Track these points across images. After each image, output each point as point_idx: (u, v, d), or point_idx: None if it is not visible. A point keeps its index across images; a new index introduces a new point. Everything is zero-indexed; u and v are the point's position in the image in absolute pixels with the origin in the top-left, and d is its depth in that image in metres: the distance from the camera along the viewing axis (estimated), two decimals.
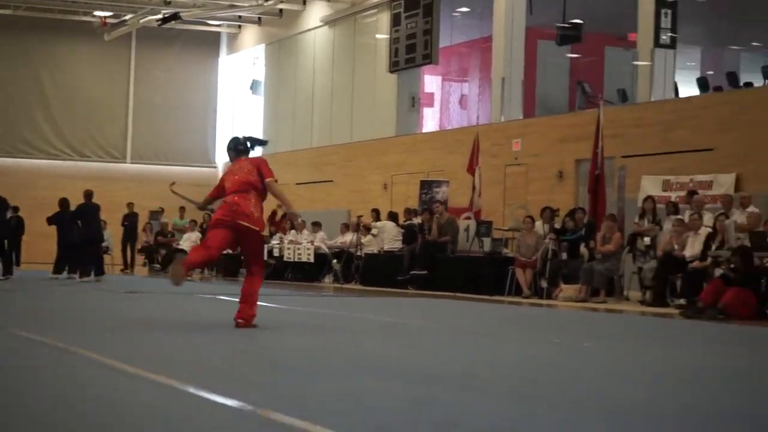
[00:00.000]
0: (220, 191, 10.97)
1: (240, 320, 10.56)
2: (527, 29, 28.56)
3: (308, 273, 26.77)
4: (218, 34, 43.25)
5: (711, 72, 31.96)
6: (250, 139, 11.37)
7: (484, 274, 21.78)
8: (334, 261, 26.38)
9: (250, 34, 42.11)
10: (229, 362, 7.89)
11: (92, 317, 12.69)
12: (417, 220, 24.99)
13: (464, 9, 33.28)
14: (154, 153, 41.86)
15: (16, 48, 40.12)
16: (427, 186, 27.06)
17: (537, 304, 19.16)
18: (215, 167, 42.61)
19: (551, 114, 27.96)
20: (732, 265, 16.28)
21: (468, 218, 24.41)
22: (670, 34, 24.93)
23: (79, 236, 22.85)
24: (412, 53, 29.92)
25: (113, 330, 10.41)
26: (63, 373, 6.99)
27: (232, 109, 43.17)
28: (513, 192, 26.52)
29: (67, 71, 41.02)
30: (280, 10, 38.54)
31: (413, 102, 32.72)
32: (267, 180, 10.78)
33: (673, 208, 19.86)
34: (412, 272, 23.25)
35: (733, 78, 27.40)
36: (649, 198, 20.60)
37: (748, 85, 26.28)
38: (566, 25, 27.50)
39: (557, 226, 21.56)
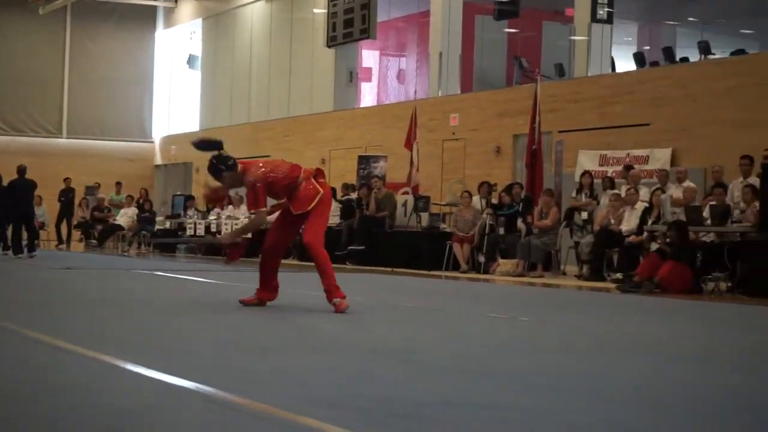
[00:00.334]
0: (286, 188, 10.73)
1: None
2: (465, 4, 28.62)
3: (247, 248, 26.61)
4: (155, 8, 42.92)
5: (647, 47, 32.18)
6: (202, 142, 10.75)
7: (422, 249, 21.83)
8: None
9: (186, 8, 41.80)
10: (168, 338, 7.83)
11: (27, 294, 12.55)
12: (355, 196, 24.99)
13: None
14: (90, 128, 41.47)
15: None
16: (364, 161, 27.05)
17: (475, 278, 19.24)
18: (152, 142, 42.36)
19: (489, 89, 28.03)
20: (668, 240, 16.45)
21: (406, 193, 24.46)
22: (607, 9, 25.09)
23: (12, 212, 22.58)
24: (349, 28, 29.81)
25: (50, 306, 10.31)
26: None
27: (169, 83, 42.90)
28: (450, 167, 26.59)
29: (1, 45, 40.48)
30: None
31: (351, 77, 32.66)
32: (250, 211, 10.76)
33: (610, 182, 20.00)
34: (350, 247, 23.28)
35: (669, 53, 27.59)
36: (586, 173, 20.74)
37: (685, 60, 26.46)
38: (504, 0, 27.56)
39: (494, 201, 21.65)
